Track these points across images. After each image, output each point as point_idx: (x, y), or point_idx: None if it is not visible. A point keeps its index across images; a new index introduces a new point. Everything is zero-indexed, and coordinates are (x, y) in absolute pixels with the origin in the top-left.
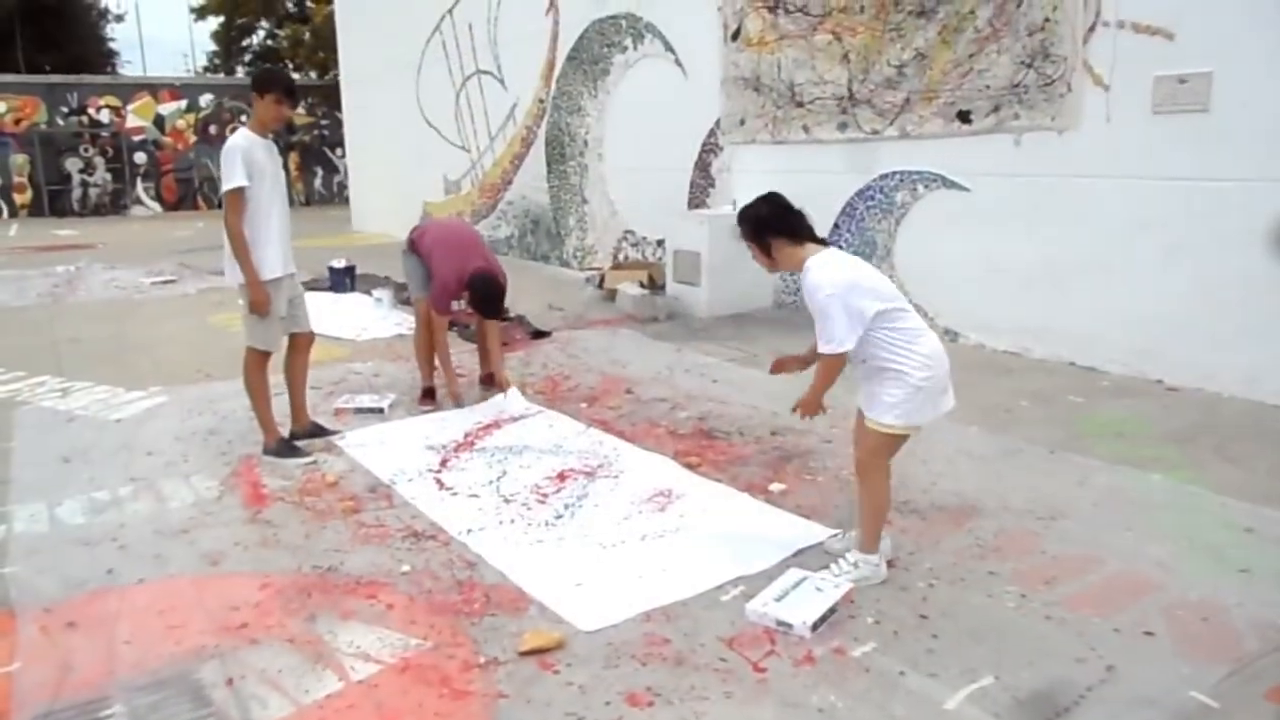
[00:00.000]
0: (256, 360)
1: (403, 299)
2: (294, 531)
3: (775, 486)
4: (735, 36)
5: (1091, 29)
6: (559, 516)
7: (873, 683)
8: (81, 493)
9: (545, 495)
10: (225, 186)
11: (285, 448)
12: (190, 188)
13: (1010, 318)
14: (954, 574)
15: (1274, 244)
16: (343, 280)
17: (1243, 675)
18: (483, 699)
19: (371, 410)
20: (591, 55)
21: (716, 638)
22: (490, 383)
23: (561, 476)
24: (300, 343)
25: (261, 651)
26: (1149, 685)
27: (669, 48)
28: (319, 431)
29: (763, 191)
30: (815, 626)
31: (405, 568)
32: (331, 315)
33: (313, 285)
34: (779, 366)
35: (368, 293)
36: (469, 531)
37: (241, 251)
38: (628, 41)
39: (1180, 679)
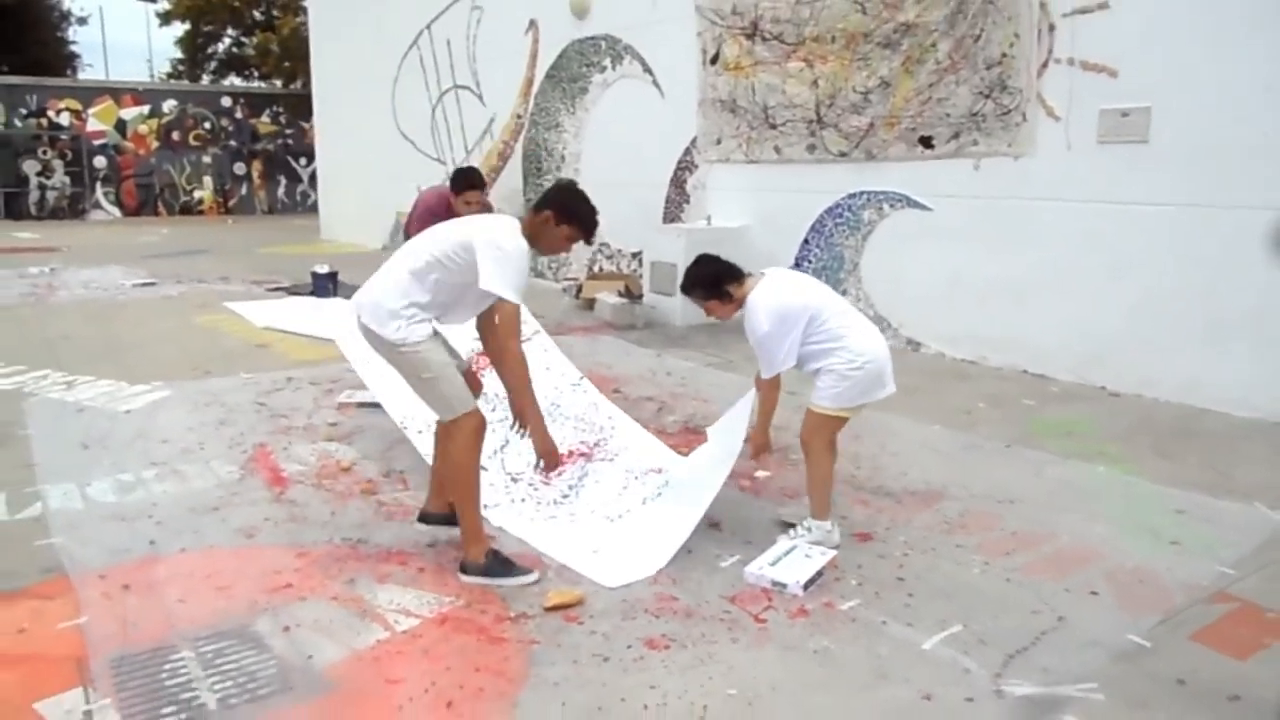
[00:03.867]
0: (472, 431)
1: None
2: (319, 510)
3: (760, 473)
4: (714, 61)
5: (1045, 65)
6: (565, 496)
7: (859, 630)
8: (107, 475)
9: (549, 478)
10: (509, 296)
11: (499, 564)
12: (151, 193)
13: (968, 329)
14: (925, 545)
15: (1273, 245)
16: (326, 285)
17: (1171, 623)
18: (518, 644)
19: (374, 405)
20: (570, 74)
21: (720, 596)
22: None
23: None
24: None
25: (309, 607)
26: (1093, 630)
27: (647, 69)
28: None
29: (734, 211)
30: (806, 586)
31: (430, 540)
32: (319, 318)
33: (296, 290)
34: (757, 451)
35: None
36: (485, 507)
37: (531, 404)
38: (606, 62)
39: (1120, 626)
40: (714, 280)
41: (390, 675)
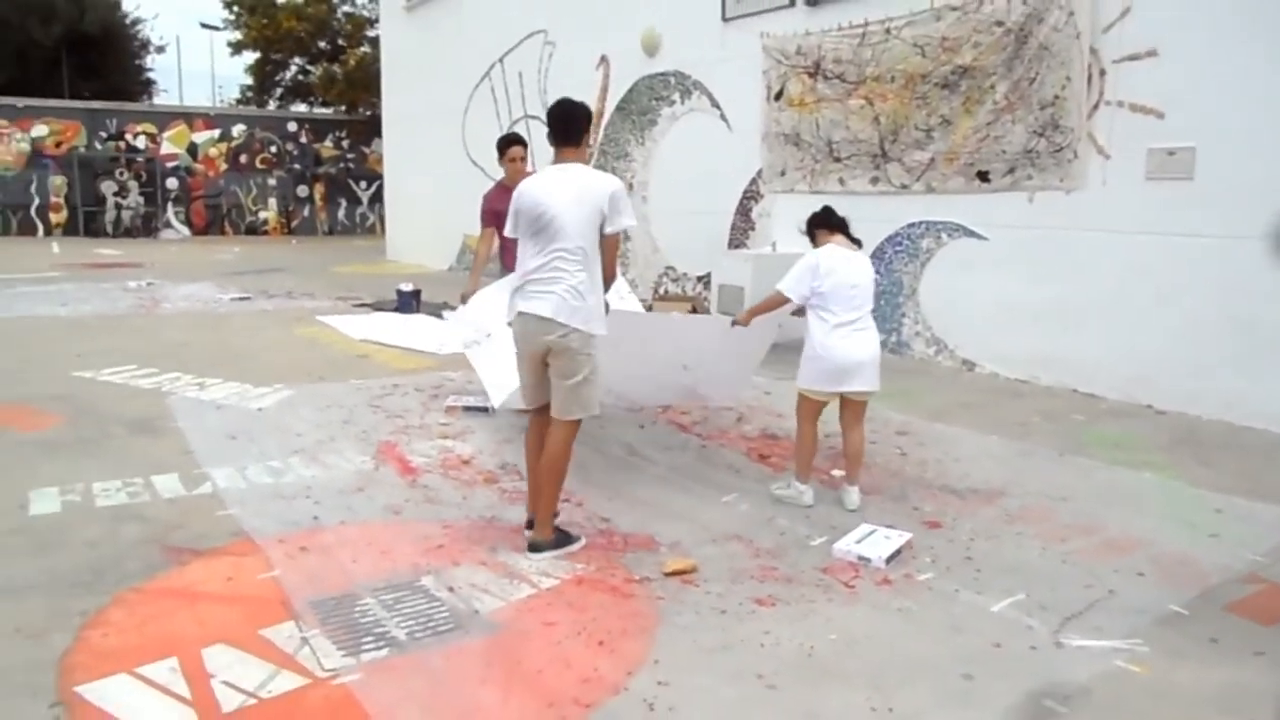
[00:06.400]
0: (578, 427)
1: None
2: (450, 494)
3: (836, 472)
4: (778, 97)
5: (1095, 106)
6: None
7: (936, 596)
8: (257, 461)
9: None
10: (630, 224)
11: (563, 536)
12: (218, 213)
13: (1021, 350)
14: (989, 532)
15: (1273, 244)
16: (410, 302)
17: (1207, 596)
18: (647, 600)
19: (479, 409)
20: (640, 107)
21: (813, 568)
22: None
23: None
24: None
25: (462, 569)
26: (1139, 601)
27: (715, 104)
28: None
29: (797, 238)
30: (888, 561)
31: (561, 517)
32: (409, 332)
33: (380, 306)
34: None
35: (437, 314)
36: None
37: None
38: (675, 96)
39: (1162, 598)
40: (812, 223)
41: (546, 620)
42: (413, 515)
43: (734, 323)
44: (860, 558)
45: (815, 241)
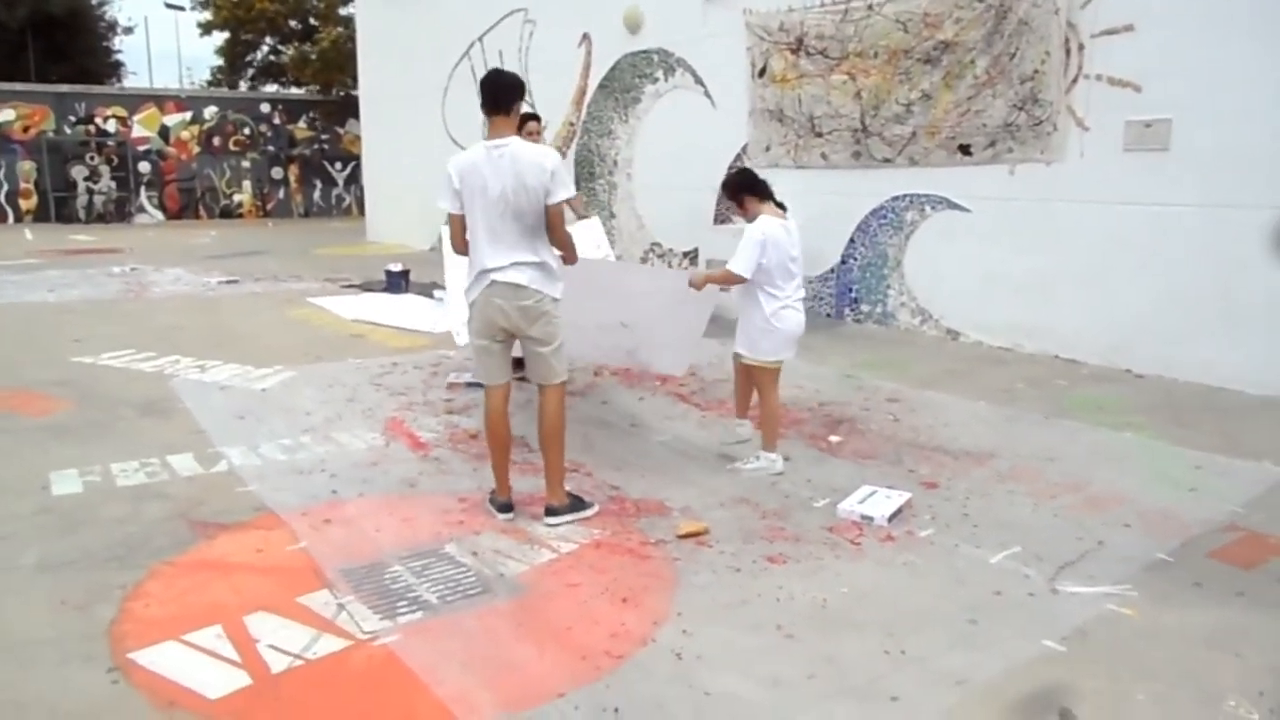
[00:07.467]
0: (564, 391)
1: None
2: (462, 467)
3: (833, 438)
4: (762, 74)
5: (1074, 80)
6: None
7: (937, 551)
8: (269, 440)
9: None
10: (569, 194)
11: (577, 501)
12: (192, 197)
13: (1004, 319)
14: (982, 491)
15: (1274, 244)
16: (399, 282)
17: (1190, 545)
18: (663, 561)
19: (480, 385)
20: (623, 85)
21: (819, 527)
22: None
23: None
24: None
25: (484, 537)
26: (1127, 550)
27: (699, 81)
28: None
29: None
30: (890, 519)
31: (567, 487)
32: (401, 312)
33: (369, 287)
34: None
35: (428, 295)
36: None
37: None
38: (659, 74)
39: (1148, 547)
40: (738, 187)
41: (569, 581)
42: (428, 488)
43: (690, 283)
44: (864, 517)
45: (744, 207)
